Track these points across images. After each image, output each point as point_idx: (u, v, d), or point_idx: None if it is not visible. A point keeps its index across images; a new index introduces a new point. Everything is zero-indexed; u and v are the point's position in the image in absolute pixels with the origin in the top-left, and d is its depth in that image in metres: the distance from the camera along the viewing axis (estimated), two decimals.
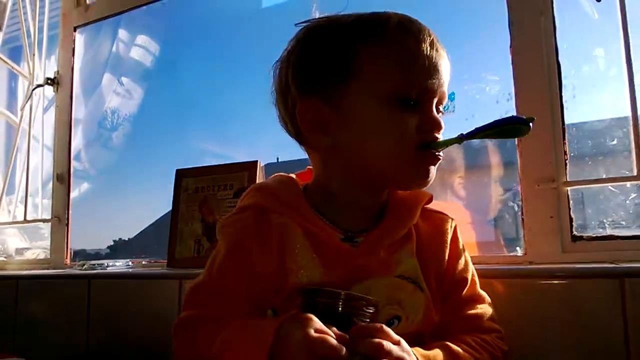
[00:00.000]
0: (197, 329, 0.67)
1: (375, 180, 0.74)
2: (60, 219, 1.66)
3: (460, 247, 0.79)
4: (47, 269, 1.61)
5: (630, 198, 1.01)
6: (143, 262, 1.51)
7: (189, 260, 1.34)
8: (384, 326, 0.59)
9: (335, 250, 0.70)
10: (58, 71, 1.74)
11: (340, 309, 0.59)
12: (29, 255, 1.83)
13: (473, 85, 1.21)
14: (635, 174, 0.96)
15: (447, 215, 0.82)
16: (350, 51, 0.69)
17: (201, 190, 1.40)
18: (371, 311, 0.60)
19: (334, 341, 0.54)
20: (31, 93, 1.78)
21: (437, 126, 0.70)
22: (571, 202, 1.01)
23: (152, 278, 1.24)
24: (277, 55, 0.79)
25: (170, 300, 1.16)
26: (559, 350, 0.86)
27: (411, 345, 0.63)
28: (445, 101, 0.74)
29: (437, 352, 0.65)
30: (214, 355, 0.62)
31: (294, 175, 0.81)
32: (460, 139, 0.70)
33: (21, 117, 1.84)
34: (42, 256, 1.78)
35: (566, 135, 1.02)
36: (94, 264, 1.43)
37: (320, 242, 0.70)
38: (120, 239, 2.26)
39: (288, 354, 0.56)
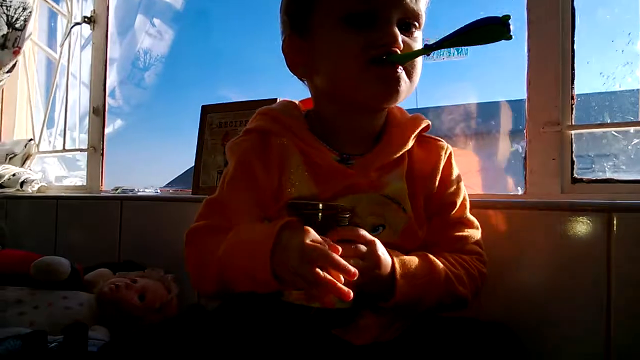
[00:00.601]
0: (205, 236, 0.75)
1: (346, 99, 0.77)
2: (95, 148, 1.78)
3: (453, 172, 0.82)
4: (84, 193, 1.75)
5: (632, 143, 1.04)
6: (170, 191, 1.62)
7: (212, 189, 1.43)
8: (358, 229, 0.67)
9: (328, 169, 0.75)
10: (94, 10, 1.83)
11: (320, 217, 0.67)
12: (67, 182, 1.98)
13: None
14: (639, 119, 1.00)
15: (443, 142, 0.84)
16: None
17: (224, 125, 1.48)
18: (347, 216, 0.68)
19: (325, 250, 0.61)
20: (69, 31, 1.87)
21: (391, 40, 0.70)
22: (574, 145, 1.05)
23: (178, 201, 1.35)
24: None
25: (193, 220, 1.27)
26: (547, 276, 0.92)
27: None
28: (421, 20, 0.75)
29: (413, 258, 0.71)
30: (219, 259, 0.69)
31: (297, 102, 0.86)
32: (428, 49, 0.71)
33: (60, 53, 1.95)
34: (79, 184, 1.92)
35: (575, 79, 1.05)
36: (126, 189, 1.54)
37: (314, 162, 0.75)
38: (151, 186, 2.40)
39: (286, 257, 0.62)
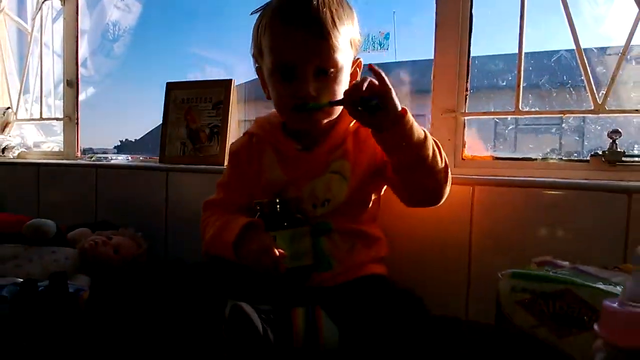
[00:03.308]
0: (210, 209, 1.07)
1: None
2: (70, 118, 1.96)
3: None
4: (62, 159, 1.95)
5: (509, 128, 1.30)
6: (140, 158, 1.84)
7: (176, 158, 1.67)
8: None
9: (291, 156, 1.03)
10: None
11: (278, 208, 0.95)
12: (45, 148, 2.16)
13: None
14: (514, 109, 1.25)
15: None
16: (260, 32, 0.98)
17: (186, 101, 1.69)
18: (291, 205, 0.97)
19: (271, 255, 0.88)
20: (41, 5, 2.01)
21: (304, 93, 0.93)
22: (465, 128, 1.31)
23: (146, 169, 1.58)
24: None
25: (160, 186, 1.51)
26: (424, 234, 1.19)
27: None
28: (336, 66, 0.94)
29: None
30: (206, 242, 1.01)
31: None
32: (330, 104, 0.94)
33: (33, 26, 2.08)
34: (56, 149, 2.11)
35: (469, 74, 1.29)
36: (100, 157, 1.76)
37: (282, 153, 1.04)
38: (126, 139, 2.60)
39: (246, 251, 0.91)
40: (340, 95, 0.97)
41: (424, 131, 0.94)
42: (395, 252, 1.09)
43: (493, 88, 1.31)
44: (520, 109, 1.24)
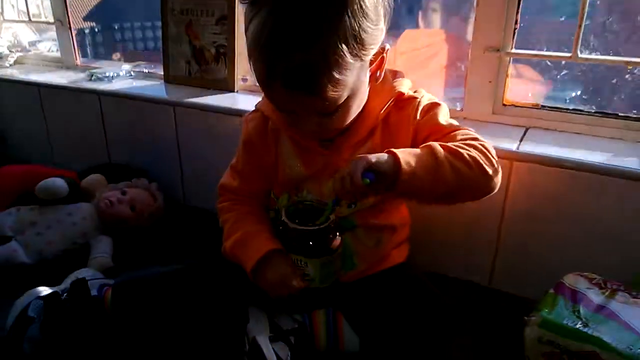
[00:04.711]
0: (223, 196, 0.99)
1: None
2: (62, 22, 1.77)
3: (425, 108, 0.86)
4: (61, 68, 1.82)
5: (561, 74, 1.10)
6: (145, 70, 1.68)
7: (181, 78, 1.52)
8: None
9: (310, 149, 0.88)
10: None
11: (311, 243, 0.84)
12: (43, 48, 2.00)
13: None
14: (571, 54, 1.05)
15: (416, 96, 0.87)
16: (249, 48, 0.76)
17: (186, 12, 1.47)
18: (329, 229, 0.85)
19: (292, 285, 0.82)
20: None
21: (308, 131, 0.81)
22: (510, 70, 1.11)
23: (152, 102, 1.45)
24: None
25: (168, 122, 1.41)
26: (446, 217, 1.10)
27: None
28: (337, 106, 0.76)
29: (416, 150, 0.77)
30: (226, 248, 0.92)
31: None
32: (333, 204, 0.81)
33: None
34: (54, 49, 1.95)
35: (520, 5, 1.06)
36: (101, 76, 1.61)
37: (301, 146, 0.90)
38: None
39: (264, 278, 0.85)
40: (355, 112, 0.82)
41: (433, 151, 0.76)
42: (421, 232, 1.03)
43: (547, 21, 1.07)
44: (579, 53, 1.03)
